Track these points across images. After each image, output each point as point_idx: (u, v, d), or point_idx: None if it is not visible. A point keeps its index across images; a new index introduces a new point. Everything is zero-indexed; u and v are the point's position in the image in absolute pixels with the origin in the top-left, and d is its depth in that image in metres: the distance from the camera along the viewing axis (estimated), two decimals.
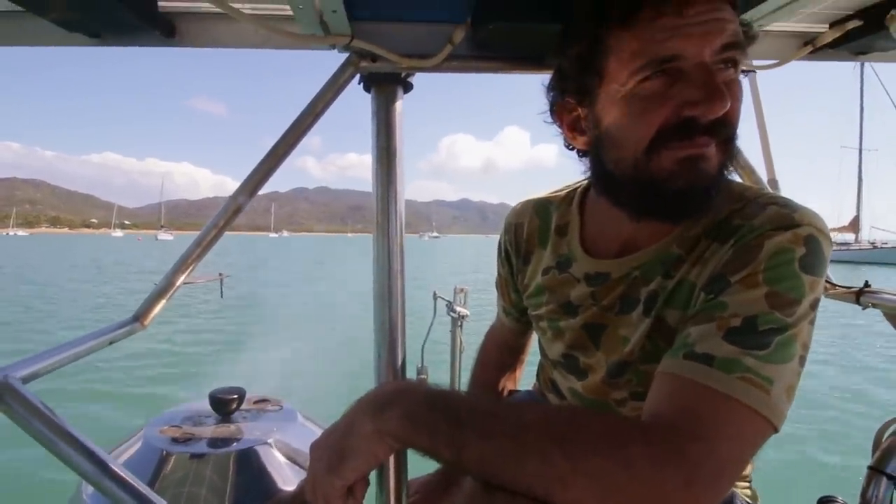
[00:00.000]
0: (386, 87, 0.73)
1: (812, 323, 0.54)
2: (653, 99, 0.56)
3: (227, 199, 0.74)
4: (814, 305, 0.54)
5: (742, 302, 0.53)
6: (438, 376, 1.89)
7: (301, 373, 5.50)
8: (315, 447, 0.57)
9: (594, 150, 0.65)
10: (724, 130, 0.56)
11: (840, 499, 0.68)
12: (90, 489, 0.66)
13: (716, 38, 0.54)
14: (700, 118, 0.55)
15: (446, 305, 1.89)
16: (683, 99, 0.55)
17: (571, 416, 0.52)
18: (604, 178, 0.66)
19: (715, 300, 0.56)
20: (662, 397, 0.53)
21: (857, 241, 42.34)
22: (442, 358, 1.89)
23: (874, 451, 0.71)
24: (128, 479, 0.55)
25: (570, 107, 0.66)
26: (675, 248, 0.65)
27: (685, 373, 0.52)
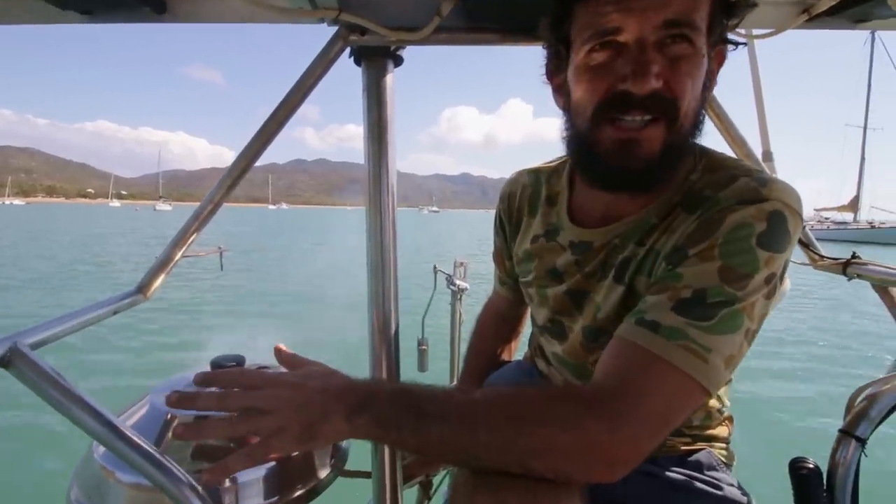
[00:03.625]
0: (376, 60, 0.71)
1: (769, 297, 0.55)
2: (597, 70, 0.58)
3: (223, 173, 0.74)
4: (769, 280, 0.55)
5: (696, 274, 0.55)
6: (438, 348, 1.92)
7: (299, 342, 5.64)
8: (281, 405, 0.53)
9: (566, 113, 0.66)
10: (663, 107, 0.56)
11: (811, 460, 0.70)
12: (101, 449, 0.68)
13: (657, 13, 0.54)
14: (633, 92, 0.55)
15: (446, 279, 1.89)
16: (620, 73, 0.56)
17: (515, 390, 0.56)
18: (567, 142, 0.67)
19: (672, 271, 0.57)
20: (608, 357, 0.56)
21: (855, 220, 41.67)
22: (442, 329, 1.91)
23: (846, 414, 0.72)
24: (137, 439, 0.56)
25: (556, 71, 0.67)
26: (653, 217, 0.65)
27: (631, 336, 0.55)
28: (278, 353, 0.64)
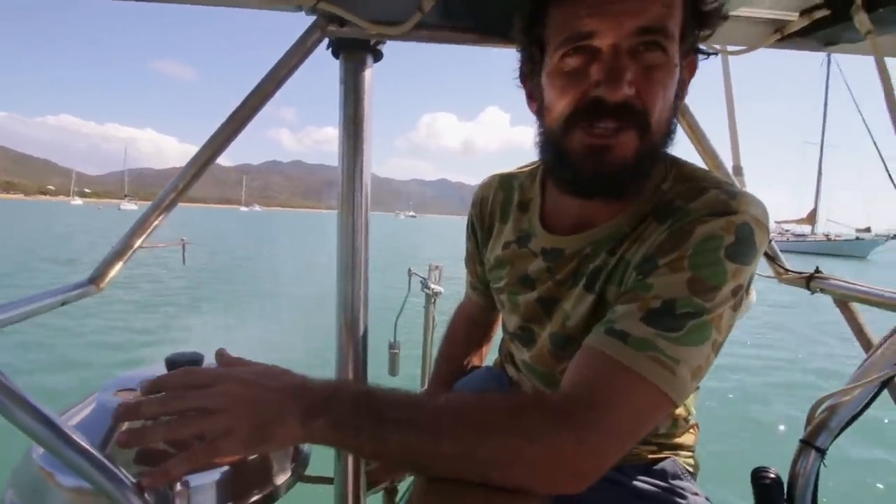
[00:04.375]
0: (355, 53, 0.69)
1: (735, 308, 0.55)
2: (571, 76, 0.57)
3: (187, 163, 0.70)
4: (736, 292, 0.55)
5: (665, 285, 0.54)
6: (411, 352, 1.90)
7: (262, 343, 5.54)
8: (228, 404, 0.50)
9: (539, 118, 0.65)
10: (635, 115, 0.56)
11: (773, 469, 0.70)
12: (40, 450, 0.63)
13: (631, 19, 0.53)
14: (606, 99, 0.54)
15: (420, 282, 1.87)
16: (593, 79, 0.55)
17: (479, 398, 0.54)
18: (540, 147, 0.66)
19: (642, 281, 0.57)
20: (577, 367, 0.56)
21: (813, 232, 43.55)
22: (416, 333, 1.88)
23: (807, 425, 0.73)
24: (79, 440, 0.52)
25: (530, 75, 0.66)
26: (625, 226, 0.65)
27: (600, 346, 0.54)
28: (220, 357, 0.59)
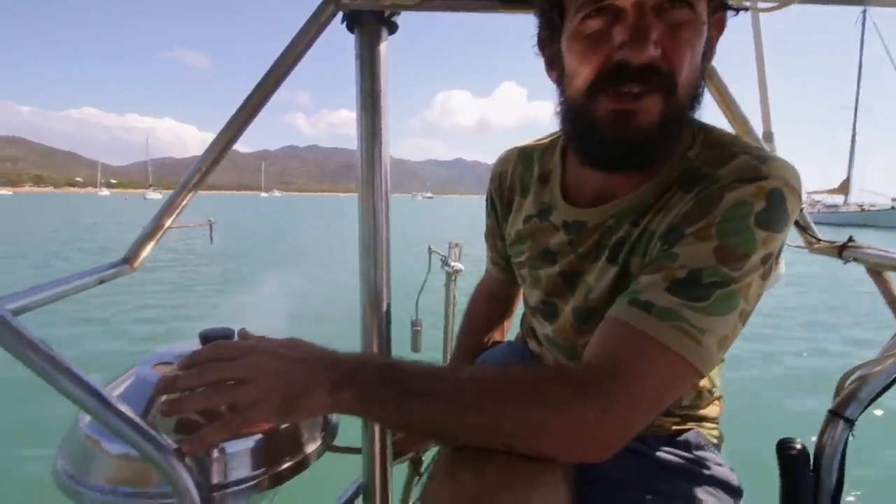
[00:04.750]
0: (369, 26, 0.68)
1: (764, 277, 0.54)
2: (593, 39, 0.54)
3: (210, 143, 0.71)
4: (766, 260, 0.53)
5: (691, 254, 0.53)
6: (433, 329, 1.92)
7: (290, 317, 5.73)
8: (258, 375, 0.52)
9: (560, 87, 0.63)
10: (660, 77, 0.53)
11: (799, 441, 0.70)
12: (87, 419, 0.67)
13: None
14: (630, 61, 0.52)
15: (441, 260, 1.88)
16: (617, 41, 0.53)
17: (503, 371, 0.54)
18: (561, 117, 0.64)
19: (668, 251, 0.55)
20: (600, 338, 0.55)
21: (846, 203, 41.66)
22: (437, 310, 1.90)
23: (836, 396, 0.71)
24: (123, 409, 0.55)
25: (549, 41, 0.63)
26: (650, 196, 0.63)
27: (624, 317, 0.53)
28: (243, 337, 0.62)
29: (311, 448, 0.71)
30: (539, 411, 0.49)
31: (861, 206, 39.08)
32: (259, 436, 0.65)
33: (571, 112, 0.61)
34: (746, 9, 0.61)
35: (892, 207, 33.81)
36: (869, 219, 31.52)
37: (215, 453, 0.63)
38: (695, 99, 0.58)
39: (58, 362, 0.52)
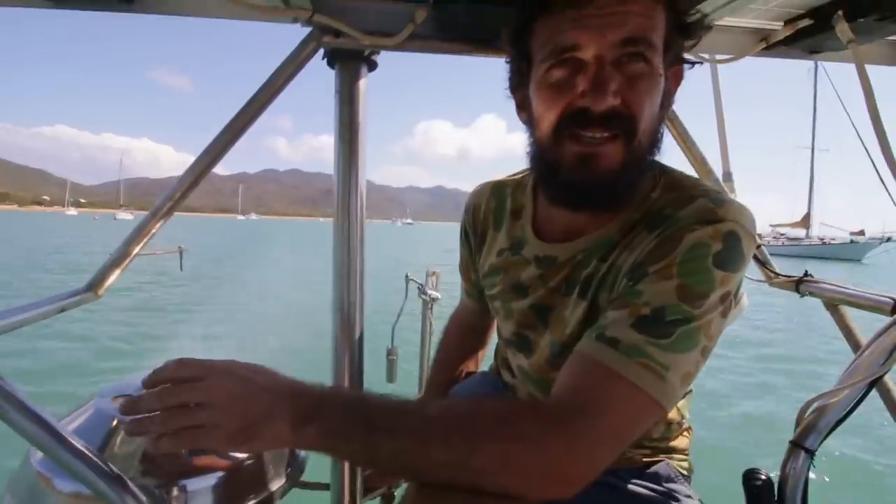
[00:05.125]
0: (350, 63, 0.70)
1: (724, 315, 0.56)
2: (557, 87, 0.58)
3: (185, 171, 0.71)
4: (724, 299, 0.56)
5: (655, 292, 0.55)
6: (409, 357, 1.89)
7: (257, 349, 5.55)
8: (217, 398, 0.50)
9: (529, 128, 0.66)
10: (622, 123, 0.57)
11: (764, 471, 0.71)
12: (39, 455, 0.63)
13: (614, 31, 0.54)
14: (592, 109, 0.55)
15: (418, 288, 1.88)
16: (579, 89, 0.56)
17: (471, 405, 0.55)
18: (530, 157, 0.67)
19: (633, 287, 0.57)
20: (568, 373, 0.56)
21: (807, 236, 43.58)
22: (414, 339, 1.88)
23: (797, 426, 0.73)
24: (78, 445, 0.53)
25: (519, 86, 0.66)
26: (615, 233, 0.65)
27: (591, 352, 0.55)
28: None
29: (276, 484, 0.69)
30: (507, 447, 0.49)
31: (822, 239, 40.99)
32: (221, 472, 0.63)
33: (539, 153, 0.64)
34: (704, 62, 0.65)
35: (851, 241, 35.64)
36: (830, 251, 33.05)
37: (175, 491, 0.60)
38: (654, 143, 0.62)
39: (9, 394, 0.50)
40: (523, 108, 0.67)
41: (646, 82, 0.56)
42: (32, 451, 0.64)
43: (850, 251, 32.27)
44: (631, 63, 0.55)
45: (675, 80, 0.64)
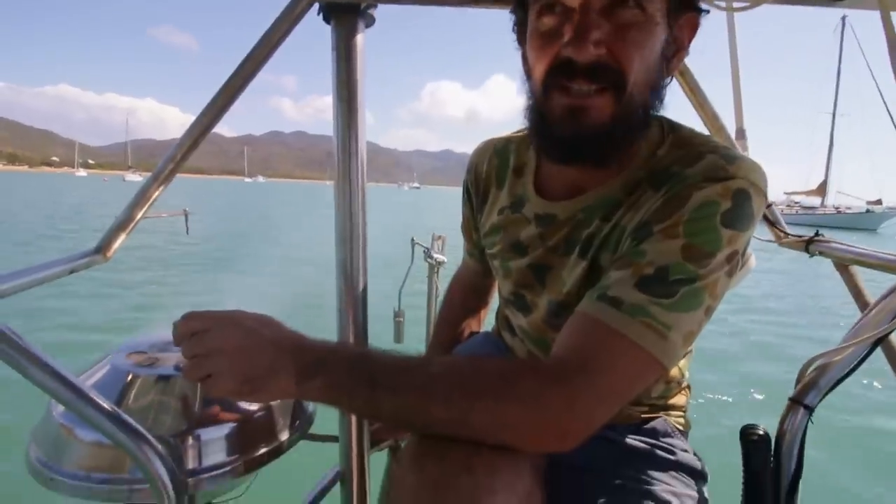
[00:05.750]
0: (346, 18, 0.68)
1: (730, 274, 0.55)
2: (546, 36, 0.56)
3: (184, 132, 0.70)
4: (731, 258, 0.55)
5: (659, 251, 0.54)
6: (417, 320, 1.92)
7: (268, 305, 5.68)
8: (224, 346, 0.51)
9: (526, 81, 0.64)
10: (609, 76, 0.54)
11: (761, 427, 0.72)
12: (60, 408, 0.66)
13: None
14: (575, 59, 0.53)
15: (424, 252, 1.88)
16: (565, 38, 0.54)
17: (473, 363, 0.55)
18: (525, 111, 0.65)
19: (637, 247, 0.56)
20: (569, 332, 0.56)
21: (822, 205, 42.39)
22: (422, 302, 1.90)
23: (797, 383, 0.73)
24: (97, 398, 0.55)
25: (520, 37, 0.64)
26: (619, 191, 0.63)
27: (593, 312, 0.54)
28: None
29: (286, 435, 0.72)
30: (506, 406, 0.50)
31: (837, 208, 39.88)
32: (233, 423, 0.65)
33: (531, 106, 0.62)
34: (708, 10, 0.61)
35: (867, 210, 34.66)
36: (845, 221, 32.24)
37: (189, 440, 0.63)
38: (654, 97, 0.59)
39: (29, 352, 0.52)
40: (525, 60, 0.64)
41: (638, 31, 0.54)
42: (53, 404, 0.67)
43: (866, 220, 31.46)
44: (622, 10, 0.53)
45: (689, 29, 0.60)
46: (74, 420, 0.64)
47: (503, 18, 0.70)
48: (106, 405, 0.55)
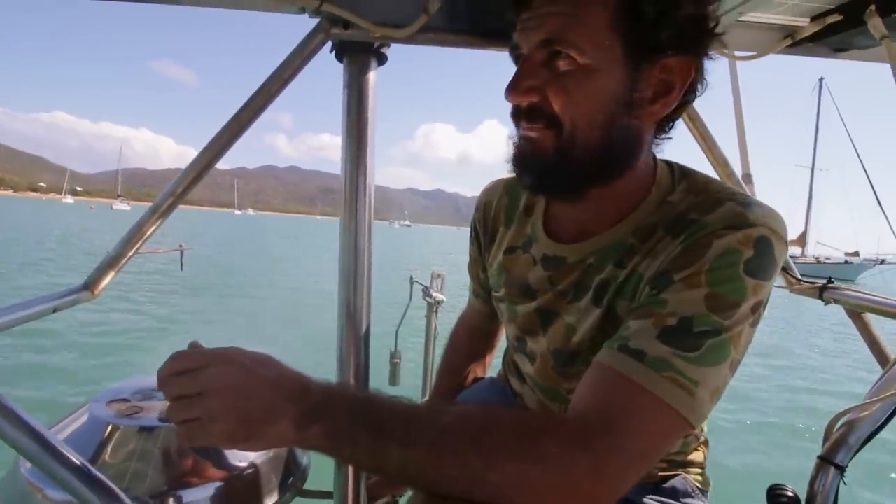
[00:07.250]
0: (358, 56, 0.67)
1: (753, 325, 0.53)
2: (511, 80, 0.59)
3: (186, 166, 0.68)
4: (755, 308, 0.52)
5: (681, 301, 0.51)
6: (413, 361, 1.86)
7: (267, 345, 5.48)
8: (218, 387, 0.46)
9: None
10: (543, 118, 0.57)
11: (789, 487, 0.67)
12: (29, 464, 0.60)
13: (535, 33, 0.56)
14: (514, 104, 0.58)
15: (422, 290, 1.84)
16: None
17: (488, 416, 0.50)
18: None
19: (657, 296, 0.54)
20: (588, 386, 0.52)
21: (803, 255, 43.45)
22: (417, 343, 1.85)
23: (825, 441, 0.69)
24: (68, 454, 0.50)
25: None
26: (630, 237, 0.61)
27: (615, 365, 0.51)
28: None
29: (277, 493, 0.65)
30: (528, 467, 0.46)
31: (818, 258, 40.95)
32: (219, 481, 0.59)
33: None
34: (721, 57, 0.61)
35: (846, 261, 35.72)
36: (824, 271, 32.93)
37: (171, 502, 0.57)
38: (614, 138, 0.57)
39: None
40: None
41: (570, 79, 0.55)
42: (22, 460, 0.61)
43: (845, 271, 32.29)
44: (558, 60, 0.55)
45: (680, 72, 0.57)
46: (45, 478, 0.57)
47: (499, 62, 0.71)
48: (78, 462, 0.50)
